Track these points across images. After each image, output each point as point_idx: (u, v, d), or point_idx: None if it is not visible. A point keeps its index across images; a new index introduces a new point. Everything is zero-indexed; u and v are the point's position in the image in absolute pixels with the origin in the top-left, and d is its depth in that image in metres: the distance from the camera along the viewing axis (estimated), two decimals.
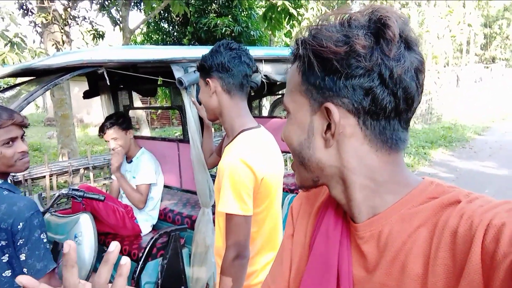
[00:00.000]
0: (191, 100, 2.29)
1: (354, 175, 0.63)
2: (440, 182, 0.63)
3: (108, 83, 2.10)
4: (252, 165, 1.39)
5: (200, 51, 2.50)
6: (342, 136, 0.62)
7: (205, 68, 1.55)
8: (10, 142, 1.58)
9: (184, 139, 2.69)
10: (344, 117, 0.60)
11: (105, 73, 2.08)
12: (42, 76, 2.33)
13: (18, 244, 1.44)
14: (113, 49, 2.30)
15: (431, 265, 0.55)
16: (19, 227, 1.43)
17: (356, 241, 0.66)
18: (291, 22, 6.29)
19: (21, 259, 1.46)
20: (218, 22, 9.38)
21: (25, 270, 1.46)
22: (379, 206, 0.63)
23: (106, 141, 2.85)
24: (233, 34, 9.63)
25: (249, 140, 1.50)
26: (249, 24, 10.22)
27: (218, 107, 1.57)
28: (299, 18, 6.31)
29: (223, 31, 9.31)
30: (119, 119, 2.84)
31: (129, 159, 2.92)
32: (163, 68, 2.41)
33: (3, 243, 1.43)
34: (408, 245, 0.59)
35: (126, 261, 0.54)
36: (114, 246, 0.54)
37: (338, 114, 0.60)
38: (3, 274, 1.45)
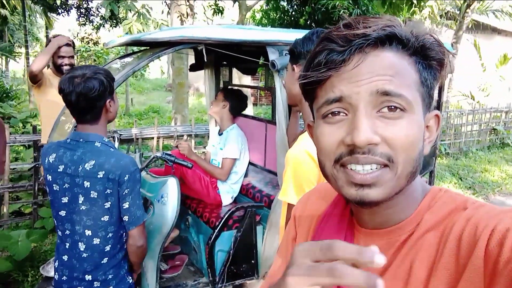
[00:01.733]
0: (282, 83, 2.32)
1: None
2: (448, 189, 0.63)
3: (205, 60, 2.23)
4: (316, 159, 1.37)
5: (297, 35, 2.50)
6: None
7: (294, 54, 1.55)
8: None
9: (273, 120, 2.75)
10: None
11: (203, 50, 2.21)
12: (154, 47, 2.56)
13: (124, 193, 1.66)
14: (214, 27, 2.42)
15: (435, 269, 0.56)
16: (125, 178, 1.65)
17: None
18: (412, 9, 5.86)
19: (124, 207, 1.68)
20: (337, 3, 9.12)
21: (125, 217, 1.68)
22: (402, 215, 0.62)
23: None
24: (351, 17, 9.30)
25: None
26: (370, 7, 9.74)
27: (298, 94, 1.57)
28: (422, 4, 5.85)
29: (340, 13, 9.03)
30: (231, 91, 3.14)
31: (220, 132, 3.10)
32: (265, 48, 2.46)
33: (108, 191, 1.65)
34: (415, 249, 0.59)
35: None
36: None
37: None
38: (102, 219, 1.68)
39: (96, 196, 1.64)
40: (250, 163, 3.14)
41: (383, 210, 0.62)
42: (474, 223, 0.53)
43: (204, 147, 5.45)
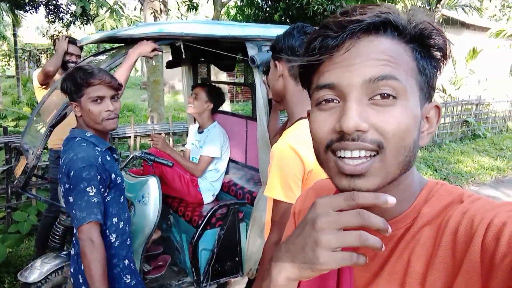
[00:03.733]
0: (262, 79, 2.30)
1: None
2: (444, 183, 0.63)
3: (183, 56, 2.19)
4: (301, 154, 1.37)
5: (276, 31, 2.49)
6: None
7: (276, 50, 1.53)
8: (98, 100, 1.72)
9: (253, 116, 2.73)
10: None
11: (181, 46, 2.17)
12: (129, 44, 2.49)
13: (67, 187, 1.66)
14: (192, 23, 2.38)
15: (432, 264, 0.56)
16: (71, 174, 1.62)
17: None
18: (386, 3, 5.93)
19: (69, 201, 1.67)
20: None
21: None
22: (399, 208, 0.62)
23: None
24: (325, 13, 9.35)
25: (306, 128, 1.47)
26: (343, 2, 9.82)
27: (282, 90, 1.56)
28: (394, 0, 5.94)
29: (315, 9, 9.08)
30: (213, 89, 3.06)
31: (200, 129, 3.06)
32: (243, 44, 2.44)
33: (67, 186, 1.65)
34: (412, 244, 0.59)
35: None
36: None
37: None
38: (73, 212, 1.65)
39: (66, 190, 1.69)
40: (231, 160, 3.12)
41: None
42: (470, 216, 0.53)
43: (183, 145, 5.39)
